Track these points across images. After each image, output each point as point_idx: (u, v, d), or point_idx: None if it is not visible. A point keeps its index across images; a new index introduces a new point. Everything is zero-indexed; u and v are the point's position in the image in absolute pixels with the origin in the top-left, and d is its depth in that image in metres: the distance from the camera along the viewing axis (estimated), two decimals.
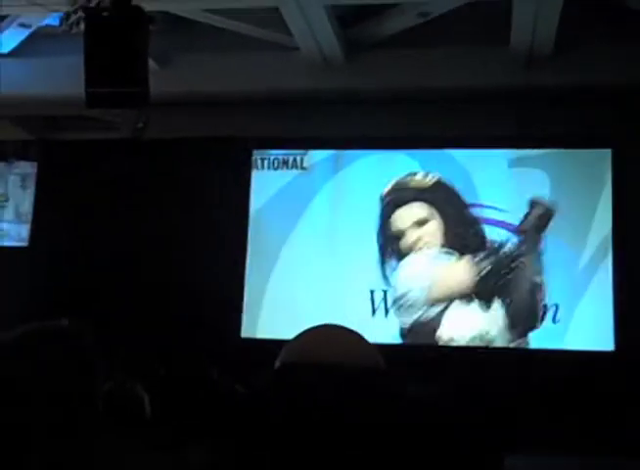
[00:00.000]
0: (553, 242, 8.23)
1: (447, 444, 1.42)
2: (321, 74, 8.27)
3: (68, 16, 6.93)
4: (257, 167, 8.94)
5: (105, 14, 6.50)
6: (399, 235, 8.56)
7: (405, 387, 1.43)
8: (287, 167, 8.90)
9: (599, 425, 7.41)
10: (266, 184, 8.92)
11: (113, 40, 6.57)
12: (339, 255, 8.65)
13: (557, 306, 8.12)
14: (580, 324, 8.10)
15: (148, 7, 6.50)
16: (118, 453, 1.92)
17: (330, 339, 1.46)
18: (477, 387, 7.18)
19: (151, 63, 6.92)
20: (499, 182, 8.51)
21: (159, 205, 8.89)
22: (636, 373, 7.60)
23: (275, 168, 8.92)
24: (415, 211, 8.57)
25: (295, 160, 8.87)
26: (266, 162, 8.94)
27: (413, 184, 8.61)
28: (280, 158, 8.92)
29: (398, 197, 8.62)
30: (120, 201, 8.97)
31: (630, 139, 8.15)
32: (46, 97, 8.48)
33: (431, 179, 8.58)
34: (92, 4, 6.55)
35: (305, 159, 8.87)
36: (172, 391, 2.84)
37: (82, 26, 6.72)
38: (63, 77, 7.84)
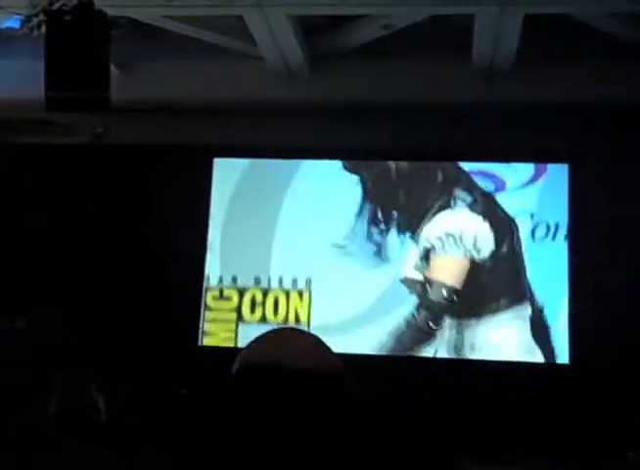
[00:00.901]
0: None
1: (401, 446, 1.43)
2: (285, 84, 8.28)
3: (29, 18, 6.86)
4: None
5: (67, 17, 6.45)
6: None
7: (359, 389, 1.44)
8: None
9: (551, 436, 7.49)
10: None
11: (74, 44, 6.53)
12: None
13: None
14: None
15: (110, 12, 6.46)
16: (71, 455, 1.90)
17: (287, 342, 1.46)
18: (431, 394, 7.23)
19: (112, 68, 6.88)
20: None
21: (116, 211, 8.84)
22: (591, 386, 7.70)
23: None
24: None
25: None
26: None
27: None
28: None
29: None
30: (76, 205, 8.88)
31: (586, 154, 8.28)
32: (4, 100, 8.38)
33: None
34: (54, 7, 6.48)
35: None
36: (128, 393, 2.81)
37: (44, 30, 6.66)
38: (22, 80, 7.75)
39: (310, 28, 7.86)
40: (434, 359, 8.29)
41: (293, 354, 1.39)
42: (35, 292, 8.38)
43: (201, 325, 8.78)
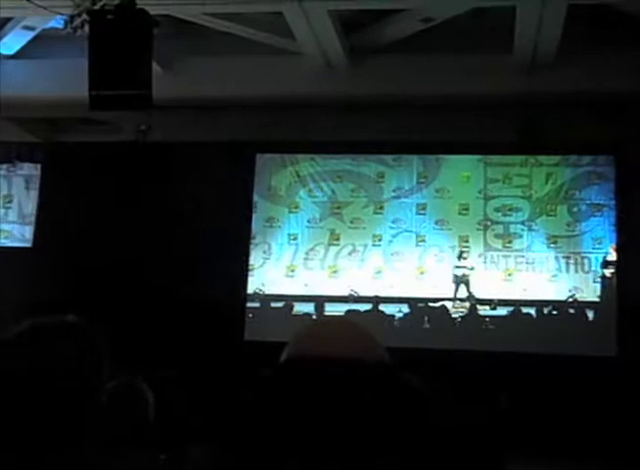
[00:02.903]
0: None
1: (455, 440, 1.41)
2: (324, 79, 8.26)
3: (72, 18, 6.92)
4: None
5: (109, 17, 6.50)
6: None
7: (412, 382, 1.42)
8: None
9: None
10: None
11: (117, 43, 6.58)
12: None
13: None
14: None
15: (152, 10, 6.50)
16: (121, 451, 1.91)
17: (333, 333, 1.45)
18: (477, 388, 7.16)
19: (154, 66, 6.92)
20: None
21: (161, 207, 8.90)
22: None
23: None
24: None
25: None
26: None
27: None
28: None
29: None
30: (123, 202, 8.97)
31: (633, 144, 8.16)
32: (50, 99, 8.48)
33: None
34: (96, 7, 6.54)
35: None
36: (176, 391, 2.83)
37: (86, 29, 6.72)
38: (67, 80, 7.84)
39: (350, 23, 7.83)
40: (481, 352, 8.21)
41: (340, 345, 1.38)
42: (85, 290, 8.49)
43: (246, 320, 8.83)
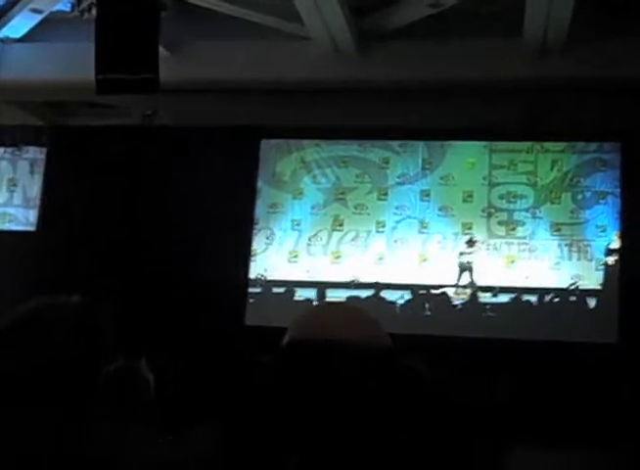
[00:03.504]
0: None
1: (455, 425, 1.44)
2: (333, 64, 8.24)
3: (79, 1, 6.94)
4: None
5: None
6: None
7: (415, 366, 1.44)
8: None
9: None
10: None
11: (124, 26, 6.60)
12: None
13: None
14: None
15: None
16: (122, 431, 1.94)
17: (334, 316, 1.47)
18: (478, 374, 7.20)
19: (161, 49, 6.94)
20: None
21: (167, 190, 8.92)
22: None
23: None
24: None
25: None
26: None
27: None
28: None
29: None
30: (128, 186, 9.00)
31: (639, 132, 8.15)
32: (56, 83, 8.48)
33: None
34: None
35: None
36: (178, 373, 2.86)
37: (94, 12, 6.74)
38: (73, 63, 7.84)
39: (358, 8, 7.81)
40: (482, 339, 8.25)
41: (342, 329, 1.40)
42: (86, 273, 8.52)
43: (247, 305, 8.87)
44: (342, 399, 1.34)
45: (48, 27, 8.37)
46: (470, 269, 8.72)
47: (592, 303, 8.47)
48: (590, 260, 8.54)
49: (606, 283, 8.42)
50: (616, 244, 8.45)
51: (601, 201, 8.59)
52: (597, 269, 8.50)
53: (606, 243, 8.50)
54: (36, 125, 9.51)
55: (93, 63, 6.57)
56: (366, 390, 1.34)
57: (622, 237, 8.36)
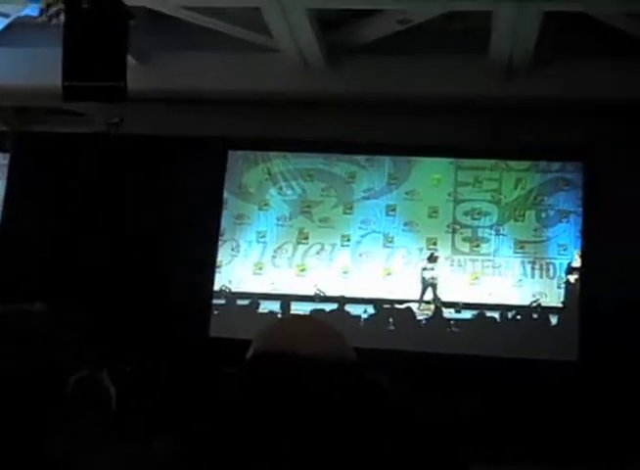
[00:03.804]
0: None
1: (418, 439, 1.44)
2: (301, 77, 8.27)
3: (47, 7, 6.87)
4: None
5: (85, 6, 6.46)
6: None
7: (380, 380, 1.44)
8: None
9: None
10: None
11: (92, 33, 6.54)
12: None
13: None
14: None
15: (129, 2, 6.47)
16: (84, 443, 1.91)
17: (302, 330, 1.46)
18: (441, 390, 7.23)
19: (130, 59, 6.89)
20: None
21: (130, 199, 8.86)
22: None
23: None
24: None
25: None
26: None
27: None
28: None
29: None
30: (93, 194, 8.91)
31: (601, 152, 8.27)
32: (22, 88, 8.40)
33: None
34: None
35: None
36: (139, 383, 2.82)
37: (62, 18, 6.68)
38: (40, 69, 7.77)
39: (327, 22, 7.85)
40: (444, 354, 8.28)
41: (306, 342, 1.39)
42: (48, 281, 8.42)
43: (212, 317, 8.82)
44: (307, 411, 1.33)
45: (15, 32, 8.29)
46: (434, 285, 8.77)
47: (554, 320, 8.55)
48: (552, 278, 8.64)
49: (567, 301, 8.52)
50: (577, 262, 8.55)
51: (563, 219, 8.70)
52: (559, 287, 8.60)
53: (567, 261, 8.60)
54: (0, 131, 9.40)
55: (60, 69, 6.50)
56: (330, 402, 1.34)
57: (583, 256, 8.46)
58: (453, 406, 7.08)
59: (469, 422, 7.01)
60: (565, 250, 8.64)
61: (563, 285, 8.59)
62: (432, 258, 8.77)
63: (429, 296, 8.78)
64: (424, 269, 8.79)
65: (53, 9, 6.81)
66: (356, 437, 1.34)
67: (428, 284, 8.77)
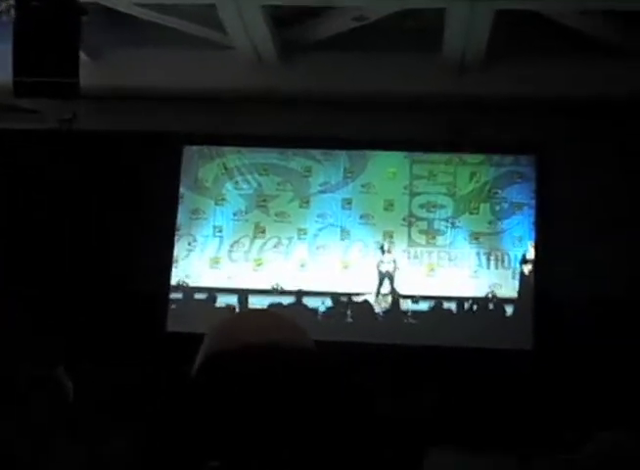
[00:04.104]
0: None
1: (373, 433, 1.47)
2: (255, 74, 8.28)
3: None
4: None
5: (36, 2, 6.41)
6: None
7: (338, 374, 1.46)
8: None
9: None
10: None
11: (43, 30, 6.49)
12: None
13: None
14: None
15: None
16: (41, 440, 1.93)
17: (258, 323, 1.47)
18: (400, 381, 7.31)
19: (82, 55, 6.85)
20: None
21: (83, 196, 8.80)
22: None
23: None
24: None
25: None
26: None
27: None
28: None
29: None
30: (45, 191, 8.83)
31: (554, 146, 8.41)
32: None
33: None
34: None
35: None
36: (98, 382, 2.84)
37: (13, 14, 6.61)
38: None
39: (282, 19, 7.85)
40: (402, 345, 8.37)
41: (264, 335, 1.40)
42: (3, 278, 8.33)
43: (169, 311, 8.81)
44: (265, 404, 1.34)
45: None
46: (391, 277, 8.84)
47: (509, 310, 8.68)
48: (507, 269, 8.76)
49: (521, 291, 8.65)
50: (531, 254, 8.68)
51: (517, 212, 8.82)
52: (513, 278, 8.72)
53: (522, 252, 8.73)
54: None
55: (11, 66, 6.44)
56: (289, 395, 1.35)
57: (537, 247, 8.60)
58: (411, 397, 7.16)
59: (428, 411, 7.10)
60: (519, 241, 8.76)
61: (517, 276, 8.71)
62: (383, 250, 8.84)
63: (386, 288, 8.85)
64: (380, 262, 8.86)
65: (3, 5, 6.74)
66: (315, 429, 1.36)
67: (384, 276, 8.84)
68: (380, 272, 8.86)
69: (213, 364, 1.40)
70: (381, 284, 8.86)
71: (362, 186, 9.05)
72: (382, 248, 8.85)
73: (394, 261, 8.85)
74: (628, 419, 5.16)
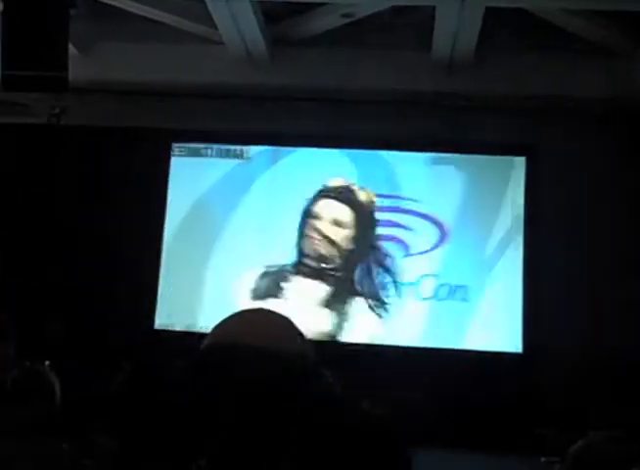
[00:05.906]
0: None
1: (362, 436, 1.45)
2: (244, 70, 8.26)
3: None
4: (202, 155, 8.88)
5: None
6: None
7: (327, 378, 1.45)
8: (229, 157, 8.85)
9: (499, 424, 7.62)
10: (208, 172, 8.85)
11: (31, 22, 6.43)
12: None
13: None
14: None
15: None
16: (25, 437, 1.90)
17: (257, 322, 1.46)
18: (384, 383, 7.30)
19: (71, 48, 6.79)
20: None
21: (72, 191, 8.75)
22: (540, 374, 7.85)
23: (219, 156, 8.85)
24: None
25: (236, 149, 8.84)
26: (209, 150, 8.90)
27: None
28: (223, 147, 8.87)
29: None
30: (34, 186, 8.78)
31: (544, 148, 8.41)
32: None
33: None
34: None
35: (245, 149, 8.84)
36: (84, 378, 2.80)
37: (0, 7, 6.55)
38: None
39: (272, 15, 7.85)
40: (388, 346, 8.35)
41: (256, 334, 1.39)
42: None
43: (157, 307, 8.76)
44: (245, 406, 1.34)
45: None
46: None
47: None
48: None
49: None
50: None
51: None
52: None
53: None
54: None
55: None
56: (275, 401, 1.35)
57: (525, 248, 8.58)
58: (398, 398, 7.15)
59: (414, 412, 7.09)
60: None
61: None
62: None
63: None
64: None
65: None
66: (303, 430, 1.35)
67: None
68: None
69: (201, 362, 1.40)
70: None
71: None
72: None
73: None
74: (617, 421, 5.17)
